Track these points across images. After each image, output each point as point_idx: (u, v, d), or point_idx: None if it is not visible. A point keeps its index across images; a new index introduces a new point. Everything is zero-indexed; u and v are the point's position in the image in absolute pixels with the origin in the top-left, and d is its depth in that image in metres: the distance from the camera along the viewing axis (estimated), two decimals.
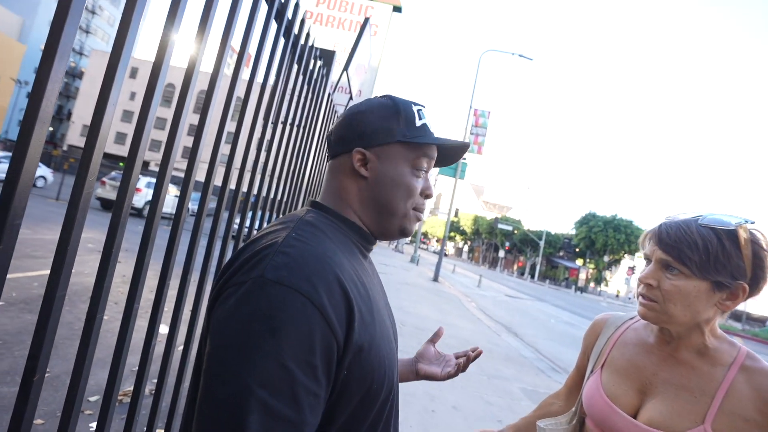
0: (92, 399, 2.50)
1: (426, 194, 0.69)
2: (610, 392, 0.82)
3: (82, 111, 44.14)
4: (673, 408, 0.73)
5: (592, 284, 50.90)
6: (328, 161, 0.69)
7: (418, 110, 0.69)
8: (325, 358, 0.49)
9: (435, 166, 0.74)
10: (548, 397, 1.09)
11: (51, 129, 50.06)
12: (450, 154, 0.74)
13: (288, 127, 1.98)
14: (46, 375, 2.65)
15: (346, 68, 2.93)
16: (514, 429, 1.05)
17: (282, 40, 1.60)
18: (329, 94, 2.84)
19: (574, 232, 50.72)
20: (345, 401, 0.53)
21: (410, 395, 3.58)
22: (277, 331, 0.46)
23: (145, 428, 1.31)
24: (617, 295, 49.45)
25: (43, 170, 16.14)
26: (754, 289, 0.73)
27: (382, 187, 0.65)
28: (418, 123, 0.67)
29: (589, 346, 0.96)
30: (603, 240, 45.81)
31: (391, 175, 0.65)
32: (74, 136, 44.63)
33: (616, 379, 0.83)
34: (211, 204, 16.91)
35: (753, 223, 0.74)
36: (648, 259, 0.79)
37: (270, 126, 1.71)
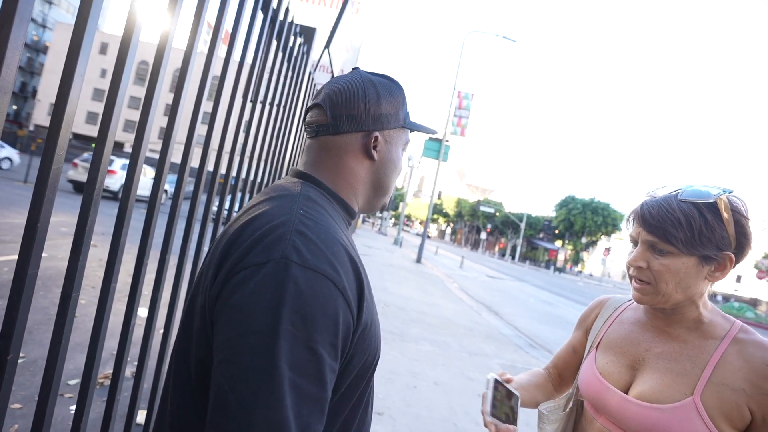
0: (72, 383, 2.47)
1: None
2: (604, 370, 0.82)
3: (48, 89, 41.80)
4: (663, 381, 0.74)
5: (569, 265, 52.45)
6: (319, 135, 0.65)
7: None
8: (344, 337, 0.51)
9: None
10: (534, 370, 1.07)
11: (15, 108, 47.37)
12: None
13: (267, 107, 1.93)
14: (23, 360, 2.59)
15: (327, 46, 2.86)
16: (517, 384, 1.03)
17: (260, 15, 1.54)
18: (310, 73, 2.78)
19: (554, 214, 51.82)
20: (347, 374, 0.55)
21: (393, 373, 3.67)
22: (309, 318, 0.47)
23: (126, 410, 1.30)
24: (591, 275, 51.16)
25: (8, 151, 15.31)
26: (740, 256, 0.73)
27: (385, 169, 0.68)
28: (407, 107, 0.71)
29: (587, 326, 0.96)
30: (581, 222, 47.01)
31: (392, 157, 0.69)
32: (41, 116, 42.40)
33: (610, 357, 0.83)
34: (189, 186, 16.44)
35: (731, 192, 0.74)
36: (634, 240, 0.79)
37: (248, 105, 1.67)
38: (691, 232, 0.71)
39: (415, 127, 0.71)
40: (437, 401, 3.30)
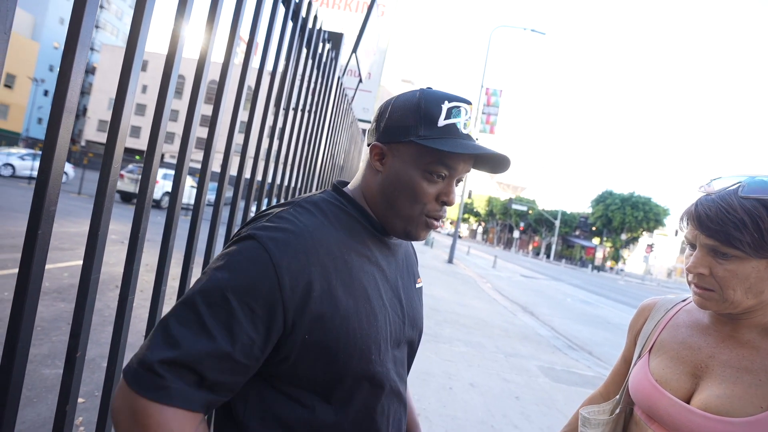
0: None
1: (443, 201, 0.65)
2: (659, 376, 0.75)
3: (96, 106, 44.90)
4: (734, 392, 0.66)
5: (609, 263, 50.22)
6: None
7: (451, 108, 0.62)
8: (267, 311, 0.54)
9: (476, 168, 0.69)
10: (591, 396, 1.00)
11: None
12: (494, 161, 0.66)
13: (299, 113, 1.99)
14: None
15: (354, 50, 2.90)
16: None
17: (290, 24, 1.59)
18: (339, 78, 2.83)
19: (590, 210, 49.85)
20: (307, 365, 0.58)
21: (427, 374, 3.66)
22: (228, 267, 0.55)
23: None
24: (622, 271, 48.65)
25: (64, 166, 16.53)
26: None
27: (390, 185, 0.65)
28: (442, 123, 0.61)
29: (635, 332, 0.88)
30: (620, 218, 44.94)
31: (399, 174, 0.64)
32: (91, 131, 45.53)
33: (667, 363, 0.76)
34: (228, 193, 17.11)
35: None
36: (691, 243, 0.71)
37: (281, 113, 1.72)
38: (759, 233, 0.63)
39: (433, 146, 0.60)
40: (473, 403, 3.26)
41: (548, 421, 3.19)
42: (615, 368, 0.94)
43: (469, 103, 0.65)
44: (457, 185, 0.67)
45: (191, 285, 0.58)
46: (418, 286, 0.78)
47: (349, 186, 0.72)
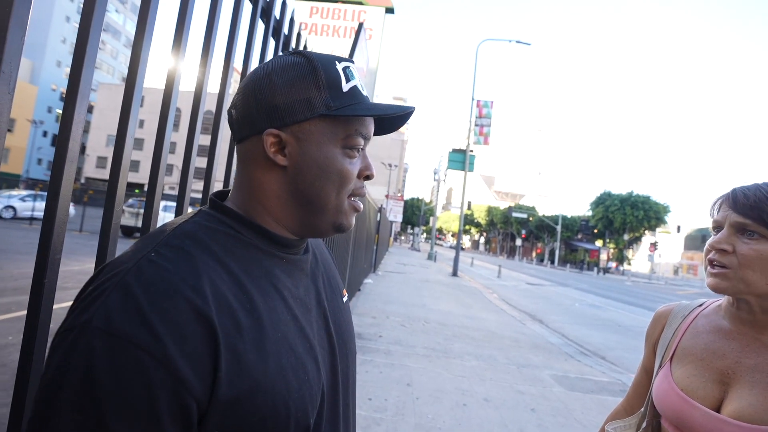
0: None
1: (365, 175, 0.55)
2: (685, 385, 0.72)
3: (95, 143, 45.63)
4: (767, 398, 0.64)
5: (614, 264, 49.93)
6: (235, 145, 0.55)
7: (345, 68, 0.52)
8: (180, 421, 0.39)
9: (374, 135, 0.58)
10: (614, 411, 0.96)
11: None
12: (390, 121, 0.58)
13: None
14: None
15: None
16: None
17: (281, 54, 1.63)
18: None
19: (590, 213, 49.88)
20: None
21: (440, 391, 3.59)
22: (102, 402, 0.36)
23: None
24: (623, 272, 48.32)
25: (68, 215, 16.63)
26: None
27: (307, 178, 0.51)
28: (346, 87, 0.51)
29: (653, 341, 0.86)
30: (621, 218, 44.92)
31: (316, 160, 0.50)
32: (90, 168, 46.09)
33: (691, 371, 0.73)
34: None
35: None
36: (718, 225, 0.72)
37: None
38: None
39: (356, 113, 0.50)
40: (489, 418, 3.18)
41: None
42: (636, 380, 0.91)
43: (352, 61, 0.55)
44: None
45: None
46: (344, 300, 0.65)
47: (229, 200, 0.54)
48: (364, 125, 0.52)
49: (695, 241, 56.48)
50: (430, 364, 4.29)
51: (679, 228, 37.72)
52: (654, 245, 37.30)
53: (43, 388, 0.38)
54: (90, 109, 48.74)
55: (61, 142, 0.58)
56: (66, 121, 0.58)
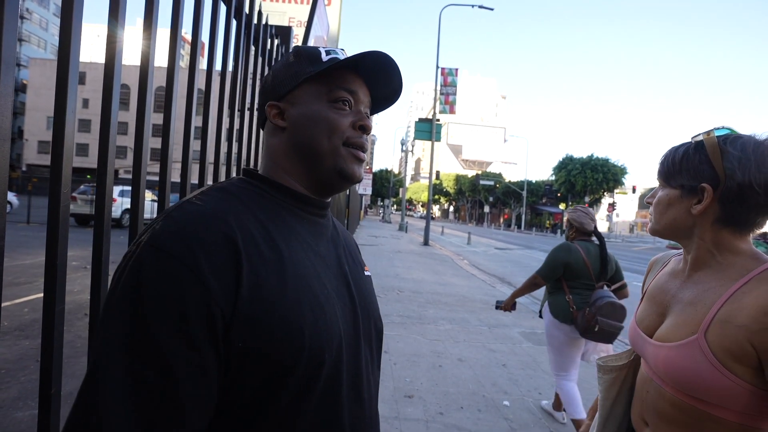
0: None
1: (360, 125, 0.61)
2: (639, 319, 0.88)
3: (33, 127, 41.81)
4: (677, 322, 0.77)
5: None
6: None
7: (327, 50, 0.62)
8: (207, 325, 0.45)
9: (380, 108, 0.69)
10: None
11: None
12: (386, 94, 0.67)
13: (255, 113, 1.93)
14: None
15: (305, 42, 2.84)
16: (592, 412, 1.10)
17: (234, 23, 1.53)
18: None
19: (553, 177, 51.62)
20: (245, 375, 0.48)
21: (416, 355, 3.73)
22: (140, 296, 0.44)
23: None
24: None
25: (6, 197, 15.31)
26: (718, 187, 0.72)
27: (302, 131, 0.60)
28: (326, 57, 0.61)
29: (644, 286, 0.99)
30: (582, 181, 46.79)
31: (306, 115, 0.60)
32: (31, 155, 42.46)
33: (644, 307, 0.89)
34: None
35: (729, 130, 0.75)
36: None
37: (237, 114, 1.67)
38: (671, 164, 0.80)
39: (327, 66, 0.60)
40: (463, 377, 3.36)
41: (535, 383, 3.35)
42: None
43: (340, 49, 0.65)
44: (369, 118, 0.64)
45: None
46: (366, 274, 0.71)
47: (259, 170, 0.64)
48: (344, 80, 0.61)
49: None
50: (405, 331, 4.43)
51: (634, 188, 39.76)
52: (612, 206, 39.34)
53: (109, 294, 0.47)
54: (23, 88, 44.42)
55: None
56: None
